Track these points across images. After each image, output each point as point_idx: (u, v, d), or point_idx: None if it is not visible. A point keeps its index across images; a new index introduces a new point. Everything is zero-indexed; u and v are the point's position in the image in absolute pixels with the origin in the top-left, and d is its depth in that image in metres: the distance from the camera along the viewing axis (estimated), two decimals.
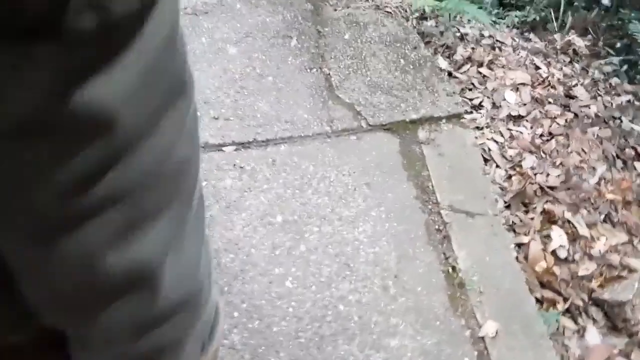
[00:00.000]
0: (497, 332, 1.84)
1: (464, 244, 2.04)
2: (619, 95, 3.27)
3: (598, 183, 2.56)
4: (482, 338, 1.82)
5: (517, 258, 2.17)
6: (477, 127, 2.68)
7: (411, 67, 2.61)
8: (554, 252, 2.30)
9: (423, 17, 3.18)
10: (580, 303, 2.22)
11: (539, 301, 2.17)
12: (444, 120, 2.42)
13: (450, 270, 1.97)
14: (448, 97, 2.51)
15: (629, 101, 3.23)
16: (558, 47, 3.55)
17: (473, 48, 3.28)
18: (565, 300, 2.22)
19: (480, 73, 3.07)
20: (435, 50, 3.08)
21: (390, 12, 2.86)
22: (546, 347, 1.83)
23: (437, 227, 2.08)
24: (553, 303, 2.20)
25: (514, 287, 1.96)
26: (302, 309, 1.80)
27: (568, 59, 3.48)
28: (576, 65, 3.45)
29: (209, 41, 2.58)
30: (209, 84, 2.42)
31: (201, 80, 2.43)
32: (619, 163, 2.69)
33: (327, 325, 1.77)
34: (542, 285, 2.21)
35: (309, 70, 2.53)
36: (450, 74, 2.95)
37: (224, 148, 2.21)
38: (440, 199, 2.16)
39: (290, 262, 1.91)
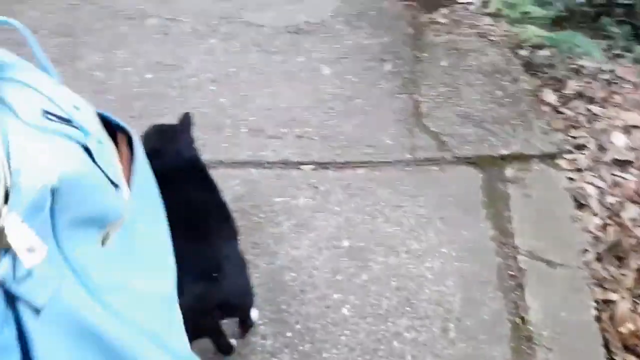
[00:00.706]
0: None
1: (539, 295, 1.90)
2: None
3: None
4: None
5: (599, 317, 1.99)
6: (577, 169, 2.50)
7: (508, 100, 2.49)
8: None
9: (532, 47, 3.03)
10: None
11: None
12: (536, 160, 2.29)
13: (519, 321, 1.85)
14: (544, 135, 2.36)
15: None
16: None
17: (587, 82, 3.06)
18: None
19: (589, 111, 2.86)
20: (543, 83, 2.92)
21: (495, 41, 2.75)
22: None
23: (511, 272, 1.96)
24: None
25: (588, 349, 1.80)
26: (355, 339, 1.77)
27: None
28: None
29: (305, 60, 2.64)
30: (299, 102, 2.46)
31: (292, 98, 2.48)
32: None
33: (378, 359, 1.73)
34: (626, 348, 2.01)
35: (398, 96, 2.50)
36: (555, 109, 2.78)
37: (302, 166, 2.24)
38: (520, 244, 2.03)
39: (350, 290, 1.89)
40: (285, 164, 2.23)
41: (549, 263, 2.01)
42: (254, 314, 1.78)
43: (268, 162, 2.23)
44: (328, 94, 2.49)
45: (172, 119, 2.36)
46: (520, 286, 1.93)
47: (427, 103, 2.46)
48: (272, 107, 2.43)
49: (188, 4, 2.87)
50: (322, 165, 2.24)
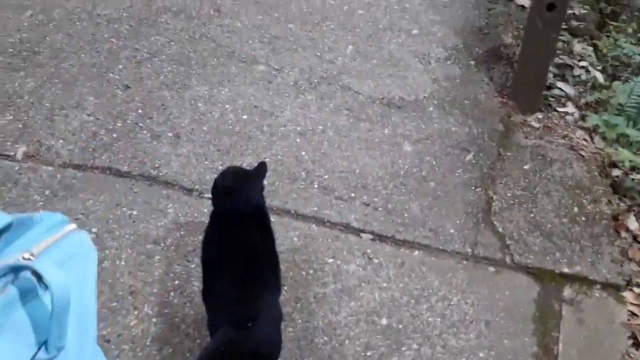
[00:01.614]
0: None
1: None
2: None
3: None
4: None
5: None
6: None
7: (583, 218, 2.43)
8: None
9: (624, 171, 2.95)
10: None
11: None
12: (598, 286, 2.21)
13: None
14: (612, 264, 2.28)
15: None
16: None
17: None
18: None
19: None
20: (629, 209, 2.82)
21: (584, 157, 2.71)
22: None
23: None
24: None
25: None
26: None
27: None
28: None
29: (390, 133, 2.72)
30: (373, 171, 2.53)
31: (368, 166, 2.56)
32: None
33: None
34: None
35: (473, 188, 2.51)
36: (635, 238, 2.67)
37: (362, 234, 2.29)
38: None
39: None
40: (346, 227, 2.29)
41: None
42: None
43: (330, 222, 2.30)
44: (404, 170, 2.54)
45: (253, 160, 2.51)
46: None
47: (500, 202, 2.45)
48: (347, 170, 2.51)
49: (296, 58, 3.05)
50: (381, 238, 2.28)
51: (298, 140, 2.63)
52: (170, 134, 2.62)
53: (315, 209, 2.35)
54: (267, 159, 2.53)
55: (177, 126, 2.66)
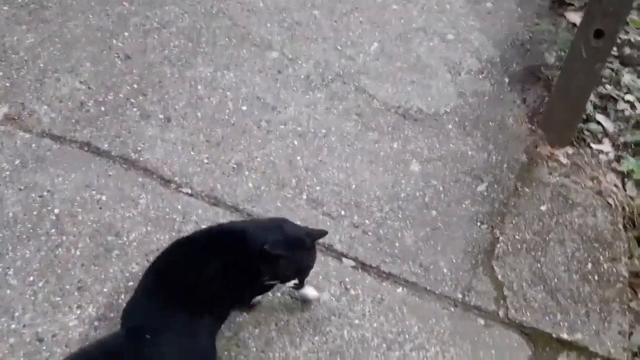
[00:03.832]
0: None
1: None
2: None
3: None
4: None
5: None
6: None
7: (596, 277, 2.15)
8: None
9: None
10: None
11: None
12: (598, 359, 1.94)
13: None
14: (619, 336, 2.00)
15: None
16: None
17: None
18: None
19: None
20: None
21: (610, 205, 2.41)
22: None
23: None
24: None
25: None
26: None
27: None
28: None
29: (399, 148, 2.47)
30: (371, 189, 2.30)
31: (366, 182, 2.32)
32: None
33: None
34: None
35: (478, 224, 2.25)
36: None
37: (344, 259, 2.07)
38: None
39: None
40: (327, 249, 2.07)
41: None
42: None
43: None
44: (405, 192, 2.30)
45: (242, 158, 2.30)
46: None
47: (506, 245, 2.19)
48: (343, 184, 2.28)
49: (314, 49, 2.81)
50: (364, 267, 2.06)
51: (296, 142, 2.41)
52: (161, 116, 2.43)
53: (299, 222, 2.12)
54: (258, 158, 2.32)
55: (170, 108, 2.46)
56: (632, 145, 2.69)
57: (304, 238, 1.66)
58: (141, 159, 2.25)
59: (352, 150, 2.42)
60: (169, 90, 2.53)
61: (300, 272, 1.68)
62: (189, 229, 2.03)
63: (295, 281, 1.68)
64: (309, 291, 1.86)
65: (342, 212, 2.20)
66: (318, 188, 2.26)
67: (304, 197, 2.22)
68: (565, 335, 1.97)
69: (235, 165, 2.28)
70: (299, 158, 2.35)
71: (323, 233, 1.72)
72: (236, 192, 2.19)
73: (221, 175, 2.24)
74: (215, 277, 1.57)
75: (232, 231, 1.71)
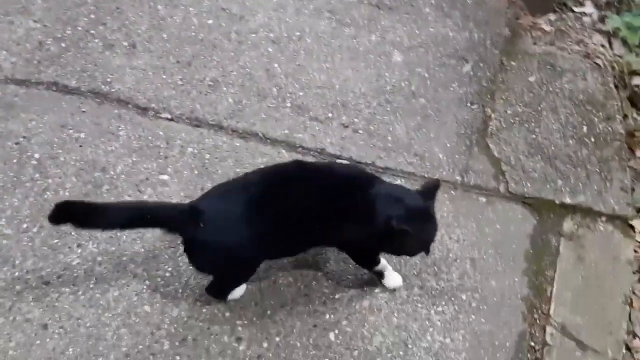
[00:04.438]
0: None
1: None
2: None
3: None
4: None
5: None
6: None
7: (592, 140, 2.13)
8: None
9: None
10: None
11: None
12: (603, 218, 1.95)
13: None
14: (621, 192, 2.00)
15: None
16: None
17: None
18: None
19: None
20: None
21: (599, 66, 2.35)
22: None
23: (532, 344, 1.70)
24: None
25: None
26: None
27: None
28: None
29: (378, 40, 2.37)
30: (355, 87, 2.22)
31: (350, 80, 2.24)
32: None
33: None
34: None
35: (468, 105, 2.20)
36: None
37: (338, 161, 2.02)
38: (554, 313, 1.75)
39: (343, 315, 1.70)
40: (321, 153, 2.03)
41: (580, 344, 1.72)
42: None
43: (303, 146, 2.03)
44: (391, 84, 2.23)
45: (218, 74, 2.20)
46: None
47: (499, 121, 2.15)
48: (326, 85, 2.20)
49: None
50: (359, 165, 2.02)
51: (270, 50, 2.30)
52: (125, 43, 2.29)
53: (287, 131, 2.08)
54: (233, 72, 2.23)
55: (132, 34, 2.33)
56: (616, 2, 2.59)
57: (428, 208, 1.51)
58: (112, 90, 2.15)
59: (330, 49, 2.32)
60: (128, 16, 2.38)
61: (426, 246, 1.54)
62: (175, 154, 1.97)
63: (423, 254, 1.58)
64: (393, 280, 1.73)
65: (330, 114, 2.13)
66: (301, 94, 2.18)
67: (288, 104, 2.15)
68: (568, 200, 1.97)
69: (211, 83, 2.18)
70: (276, 66, 2.25)
71: (436, 185, 1.56)
72: (217, 110, 2.11)
73: (198, 95, 2.15)
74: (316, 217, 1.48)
75: (360, 187, 1.54)
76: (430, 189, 1.54)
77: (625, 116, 2.35)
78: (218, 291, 1.65)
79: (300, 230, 1.48)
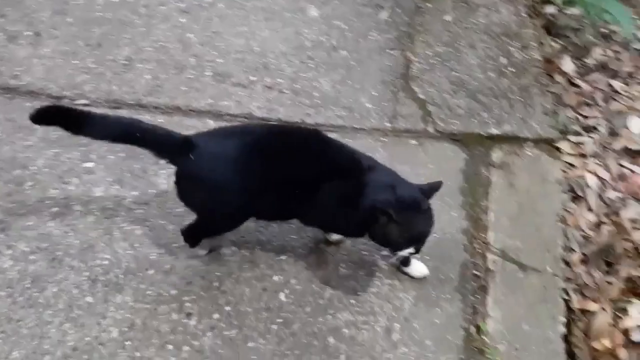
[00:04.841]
0: None
1: (502, 303, 1.70)
2: None
3: None
4: None
5: (569, 330, 1.79)
6: (581, 154, 2.22)
7: (512, 69, 2.18)
8: (626, 332, 1.87)
9: (559, 6, 2.66)
10: None
11: None
12: (529, 144, 2.01)
13: (474, 329, 1.65)
14: (544, 116, 2.06)
15: None
16: None
17: (616, 52, 2.72)
18: None
19: (610, 86, 2.53)
20: (564, 49, 2.58)
21: None
22: None
23: (475, 272, 1.75)
24: None
25: None
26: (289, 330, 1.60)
27: None
28: None
29: None
30: (275, 47, 2.19)
31: (269, 41, 2.20)
32: None
33: (308, 356, 1.56)
34: None
35: (389, 51, 2.20)
36: (570, 81, 2.46)
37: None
38: (493, 240, 1.81)
39: (292, 271, 1.70)
40: (248, 118, 2.00)
41: (521, 266, 1.79)
42: None
43: (229, 114, 2.00)
44: (310, 40, 2.20)
45: (131, 52, 2.13)
46: (483, 289, 1.73)
47: (420, 64, 2.17)
48: (245, 49, 2.16)
49: None
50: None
51: (183, 20, 2.23)
52: (28, 33, 2.18)
53: (211, 101, 2.03)
54: (147, 48, 2.15)
55: (36, 22, 2.21)
56: None
57: (420, 200, 1.43)
58: (22, 83, 2.04)
59: (244, 12, 2.27)
60: (29, 4, 2.26)
61: (415, 241, 1.44)
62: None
63: (411, 250, 1.46)
64: (417, 269, 1.68)
65: (252, 78, 2.10)
66: (220, 61, 2.13)
67: (208, 73, 2.10)
68: (494, 131, 2.01)
69: (125, 62, 2.11)
70: (190, 36, 2.19)
71: (437, 186, 1.49)
72: (135, 89, 2.04)
73: (114, 76, 2.07)
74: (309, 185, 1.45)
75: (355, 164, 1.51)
76: (432, 188, 1.47)
77: (541, 44, 2.41)
78: (192, 235, 1.64)
79: (285, 195, 1.46)
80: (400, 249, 1.44)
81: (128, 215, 1.75)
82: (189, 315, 1.60)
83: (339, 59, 2.17)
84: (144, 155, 1.85)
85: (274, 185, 1.44)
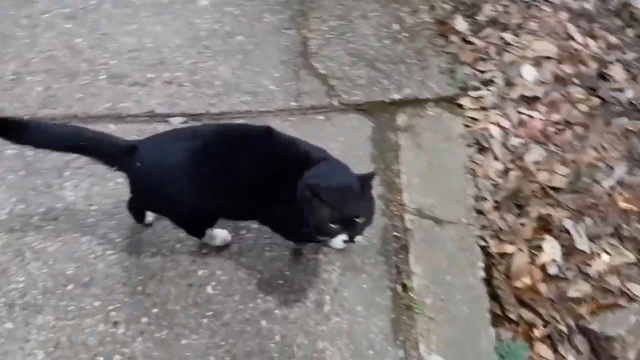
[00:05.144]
0: None
1: (423, 258, 1.76)
2: None
3: (613, 188, 2.18)
4: None
5: (491, 274, 1.88)
6: (482, 107, 2.32)
7: (405, 34, 2.23)
8: (543, 267, 1.99)
9: None
10: (564, 329, 1.92)
11: (516, 323, 1.90)
12: (430, 104, 2.08)
13: (400, 288, 1.71)
14: (441, 75, 2.14)
15: None
16: (612, 7, 2.99)
17: (505, 5, 2.83)
18: (547, 324, 1.93)
19: (502, 39, 2.64)
20: (455, 9, 2.66)
21: None
22: None
23: (396, 234, 1.80)
24: (531, 327, 1.92)
25: (473, 315, 1.69)
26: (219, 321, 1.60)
27: (620, 24, 2.92)
28: (629, 32, 2.89)
29: None
30: (169, 41, 2.14)
31: (161, 36, 2.16)
32: None
33: (243, 343, 1.56)
34: (522, 303, 1.92)
35: (285, 31, 2.21)
36: (464, 39, 2.55)
37: (170, 119, 1.97)
38: (408, 201, 1.86)
39: (216, 265, 1.70)
40: (151, 116, 1.96)
41: (437, 221, 1.86)
42: None
43: (130, 115, 1.95)
44: (204, 30, 2.17)
45: (17, 65, 2.03)
46: (404, 249, 1.78)
47: (317, 40, 2.19)
48: (138, 47, 2.10)
49: None
50: (194, 117, 1.98)
51: (69, 26, 2.15)
52: None
53: (109, 104, 1.97)
54: (34, 59, 2.06)
55: None
56: None
57: (353, 184, 1.37)
58: None
59: (132, 9, 2.21)
60: None
61: (345, 223, 1.34)
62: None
63: (344, 237, 1.35)
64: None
65: (150, 75, 2.05)
66: (113, 62, 2.07)
67: (103, 77, 2.04)
68: (396, 96, 2.07)
69: (13, 76, 2.01)
70: (79, 41, 2.11)
71: (371, 175, 1.41)
72: (27, 103, 1.96)
73: (2, 93, 1.98)
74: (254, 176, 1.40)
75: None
76: (367, 177, 1.41)
77: (432, 7, 2.47)
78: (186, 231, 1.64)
79: (240, 196, 1.42)
80: (332, 233, 1.35)
81: (38, 233, 1.69)
82: (116, 324, 1.57)
83: (235, 44, 2.15)
84: (45, 170, 1.80)
85: (225, 187, 1.40)
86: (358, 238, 1.36)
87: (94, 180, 1.79)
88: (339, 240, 1.35)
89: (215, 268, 1.68)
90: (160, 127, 1.93)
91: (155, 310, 1.60)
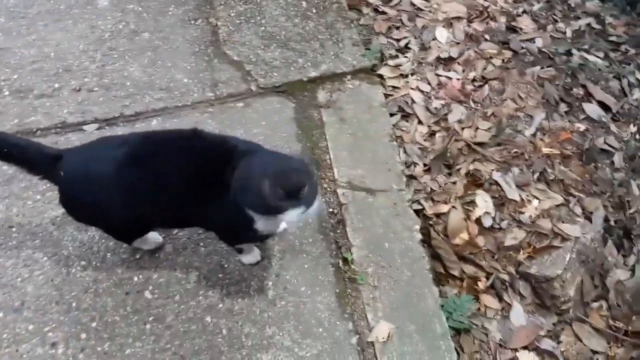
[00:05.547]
0: (389, 335, 1.60)
1: (360, 229, 1.77)
2: (577, 18, 2.86)
3: (534, 135, 2.25)
4: (372, 343, 1.58)
5: (429, 235, 1.91)
6: (402, 75, 2.34)
7: (314, 10, 2.22)
8: (478, 220, 2.03)
9: None
10: (506, 277, 1.98)
11: (459, 279, 1.94)
12: (348, 77, 2.08)
13: (341, 262, 1.71)
14: (355, 47, 2.14)
15: (588, 25, 2.83)
16: None
17: None
18: (489, 275, 1.98)
19: (413, 5, 2.67)
20: None
21: None
22: (446, 348, 1.60)
23: (331, 209, 1.80)
24: (474, 281, 1.97)
25: (415, 277, 1.71)
26: (162, 325, 1.56)
27: None
28: None
29: None
30: (72, 47, 2.05)
31: (64, 43, 2.06)
32: (563, 107, 2.35)
33: (190, 342, 1.53)
34: (463, 259, 1.96)
35: (192, 22, 2.15)
36: (376, 10, 2.56)
37: (84, 127, 1.89)
38: (338, 175, 1.86)
39: (152, 268, 1.65)
40: (63, 127, 1.87)
41: (369, 191, 1.86)
42: None
43: (40, 128, 1.86)
44: (107, 31, 2.09)
45: None
46: (341, 223, 1.78)
47: (226, 27, 2.14)
48: (39, 58, 2.00)
49: None
50: (108, 122, 1.91)
51: None
52: None
53: (16, 120, 1.88)
54: None
55: None
56: None
57: (295, 167, 1.29)
58: None
59: (29, 20, 2.10)
60: None
61: (291, 194, 1.24)
62: None
63: (299, 210, 1.25)
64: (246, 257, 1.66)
65: (56, 85, 1.96)
66: (15, 77, 1.97)
67: (6, 93, 1.93)
68: (313, 73, 2.05)
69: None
70: None
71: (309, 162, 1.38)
72: None
73: None
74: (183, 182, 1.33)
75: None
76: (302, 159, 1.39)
77: None
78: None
79: (166, 202, 1.35)
80: (281, 208, 1.24)
81: None
82: (54, 345, 1.50)
83: (142, 42, 2.08)
84: None
85: (157, 193, 1.34)
86: (313, 207, 1.28)
87: (11, 201, 1.70)
88: (294, 215, 1.25)
89: (150, 272, 1.64)
90: (74, 137, 1.85)
91: (93, 325, 1.54)
